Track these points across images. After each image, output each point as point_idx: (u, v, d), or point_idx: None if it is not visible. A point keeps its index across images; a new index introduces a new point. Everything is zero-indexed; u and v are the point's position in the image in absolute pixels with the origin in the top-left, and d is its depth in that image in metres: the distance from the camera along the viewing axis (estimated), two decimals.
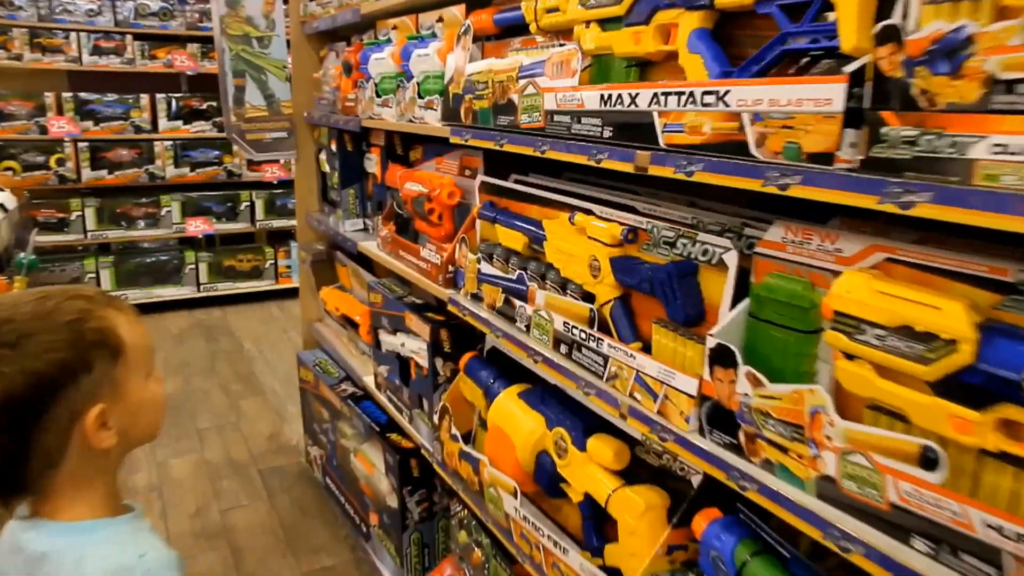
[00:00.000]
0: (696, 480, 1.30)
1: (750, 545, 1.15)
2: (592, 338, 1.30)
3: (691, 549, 1.32)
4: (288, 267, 5.69)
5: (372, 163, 2.43)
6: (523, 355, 1.49)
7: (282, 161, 5.47)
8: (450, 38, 1.74)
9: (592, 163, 1.21)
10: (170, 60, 5.17)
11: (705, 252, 1.12)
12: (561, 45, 1.40)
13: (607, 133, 1.18)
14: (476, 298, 1.71)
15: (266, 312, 5.48)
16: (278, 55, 2.70)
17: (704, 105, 0.99)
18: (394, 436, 2.31)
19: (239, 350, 4.71)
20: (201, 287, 5.45)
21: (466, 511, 1.97)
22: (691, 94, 1.01)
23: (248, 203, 5.53)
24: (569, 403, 1.57)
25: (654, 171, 1.09)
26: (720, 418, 1.06)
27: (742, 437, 1.02)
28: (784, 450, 0.97)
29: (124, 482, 3.03)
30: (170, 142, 5.27)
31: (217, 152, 5.43)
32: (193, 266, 5.43)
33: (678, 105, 1.03)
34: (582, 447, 1.46)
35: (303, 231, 3.01)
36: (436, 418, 1.91)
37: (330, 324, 2.91)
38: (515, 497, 1.58)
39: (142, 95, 5.15)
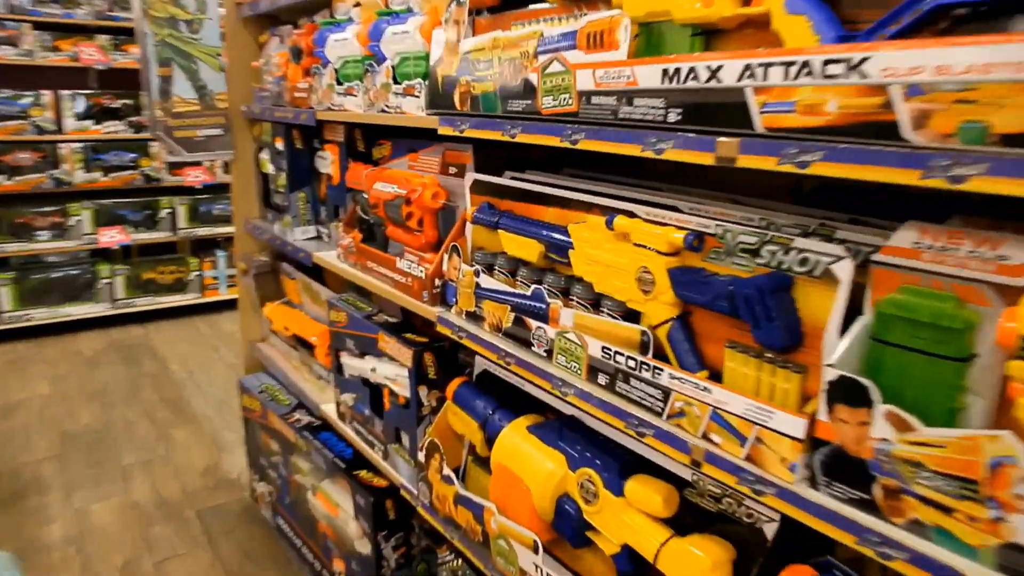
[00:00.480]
0: (770, 530, 1.08)
1: None
2: (646, 367, 1.07)
3: None
4: (215, 279, 5.26)
5: (327, 162, 2.14)
6: (545, 386, 1.24)
7: (207, 164, 5.05)
8: (434, 12, 1.48)
9: (650, 154, 0.98)
10: (76, 53, 4.67)
11: (804, 262, 0.90)
12: (583, 14, 1.16)
13: (673, 117, 0.95)
14: (474, 317, 1.46)
15: (192, 329, 5.04)
16: (211, 41, 2.36)
17: (827, 77, 0.77)
18: (363, 473, 2.03)
19: (164, 372, 4.28)
20: (117, 303, 4.97)
21: (460, 560, 1.71)
22: (806, 64, 0.79)
23: (169, 210, 5.07)
24: (592, 438, 1.34)
25: (745, 162, 0.87)
26: (842, 467, 0.85)
27: (878, 492, 0.81)
28: (947, 510, 0.76)
29: (34, 537, 2.63)
30: (79, 144, 4.77)
31: (133, 155, 4.95)
32: (108, 280, 4.94)
33: (785, 79, 0.81)
34: (618, 491, 1.23)
35: (242, 240, 2.68)
36: (422, 456, 1.65)
37: (276, 344, 2.59)
38: (536, 552, 1.34)
39: (44, 91, 4.64)
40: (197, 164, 5.11)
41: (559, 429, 1.39)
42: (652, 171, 1.56)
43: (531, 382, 1.31)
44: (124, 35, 4.86)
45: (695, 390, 0.99)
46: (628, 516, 1.23)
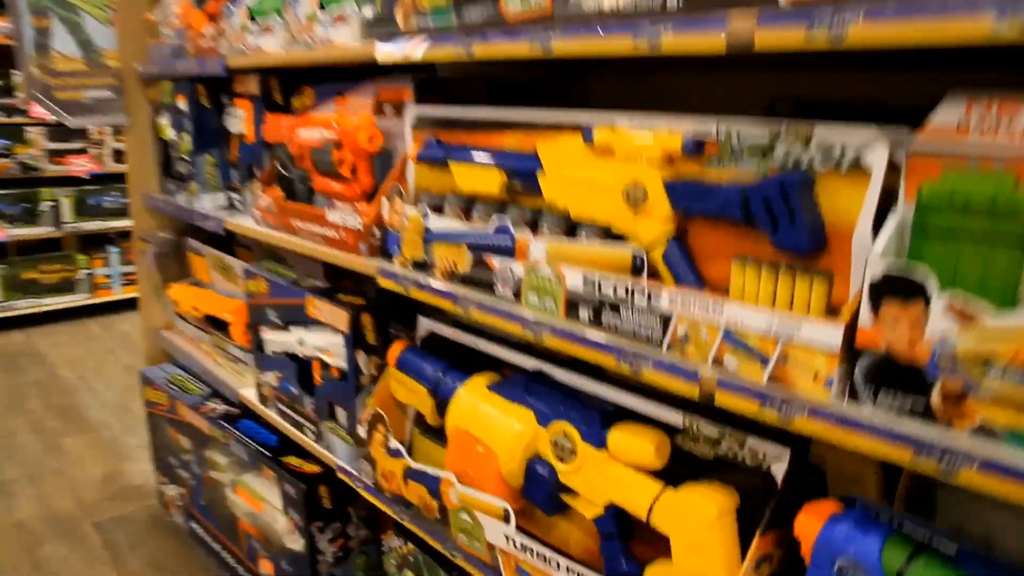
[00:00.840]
0: (779, 470, 0.98)
1: (902, 545, 0.84)
2: (640, 292, 0.94)
3: (775, 558, 1.01)
4: (108, 277, 4.83)
5: (238, 119, 1.92)
6: (514, 329, 1.10)
7: (94, 152, 4.63)
8: None
9: (644, 49, 0.85)
10: None
11: (828, 155, 0.80)
12: None
13: (674, 2, 0.82)
14: (422, 267, 1.29)
15: (83, 332, 4.61)
16: None
17: None
18: (292, 460, 1.82)
19: (52, 379, 3.88)
20: None
21: (410, 545, 1.54)
22: None
23: (51, 203, 4.61)
24: (564, 392, 1.21)
25: (766, 39, 0.75)
26: (889, 376, 0.74)
27: (936, 398, 0.71)
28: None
29: None
30: None
31: (5, 141, 4.48)
32: None
33: None
34: (600, 443, 1.10)
35: (140, 217, 2.40)
36: (362, 430, 1.47)
37: (184, 330, 2.34)
38: (507, 522, 1.19)
39: None
40: (82, 152, 4.68)
41: (525, 383, 1.24)
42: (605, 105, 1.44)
43: (492, 336, 1.17)
44: None
45: (704, 310, 0.87)
46: (612, 471, 1.10)
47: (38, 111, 4.32)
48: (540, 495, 1.20)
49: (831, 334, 0.76)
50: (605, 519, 1.13)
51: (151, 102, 2.28)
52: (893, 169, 0.76)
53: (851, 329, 0.77)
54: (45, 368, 4.01)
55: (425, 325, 1.51)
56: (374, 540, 1.88)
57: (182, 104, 2.04)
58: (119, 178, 4.63)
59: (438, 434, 1.46)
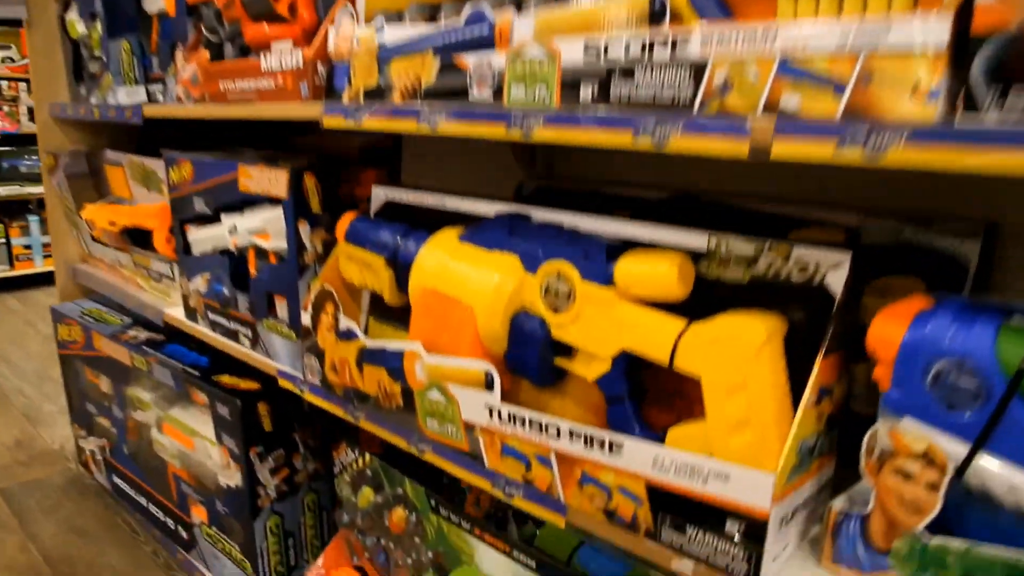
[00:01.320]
0: (837, 279, 0.78)
1: (1020, 333, 0.64)
2: (661, 43, 0.73)
3: (837, 394, 0.81)
4: (28, 247, 4.44)
5: None
6: (499, 131, 0.87)
7: (6, 109, 4.23)
8: None
9: None
10: None
11: None
12: None
13: None
14: (377, 94, 1.06)
15: (0, 305, 4.22)
16: None
17: None
18: (225, 378, 1.56)
19: None
20: None
21: (367, 456, 1.30)
22: None
23: None
24: (554, 232, 0.99)
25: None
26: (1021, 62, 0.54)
27: None
28: None
29: None
30: None
31: None
32: None
33: None
34: (605, 278, 0.89)
35: (48, 132, 2.11)
36: (307, 318, 1.23)
37: (102, 257, 2.05)
38: (490, 389, 0.96)
39: None
40: None
41: (508, 225, 1.02)
42: None
43: (485, 136, 0.94)
44: None
45: (751, 42, 0.66)
46: (622, 312, 0.88)
47: None
48: (530, 358, 0.98)
49: (934, 26, 0.56)
50: (612, 377, 0.92)
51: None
52: None
53: (962, 17, 0.56)
54: None
55: (380, 195, 1.28)
56: (326, 475, 1.63)
57: None
58: (36, 140, 4.25)
59: (400, 319, 1.23)
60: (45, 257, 4.48)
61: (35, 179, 4.43)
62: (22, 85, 4.37)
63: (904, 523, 0.72)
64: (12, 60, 4.32)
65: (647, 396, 0.94)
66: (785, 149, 0.64)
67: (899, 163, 0.58)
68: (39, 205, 4.48)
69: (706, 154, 0.69)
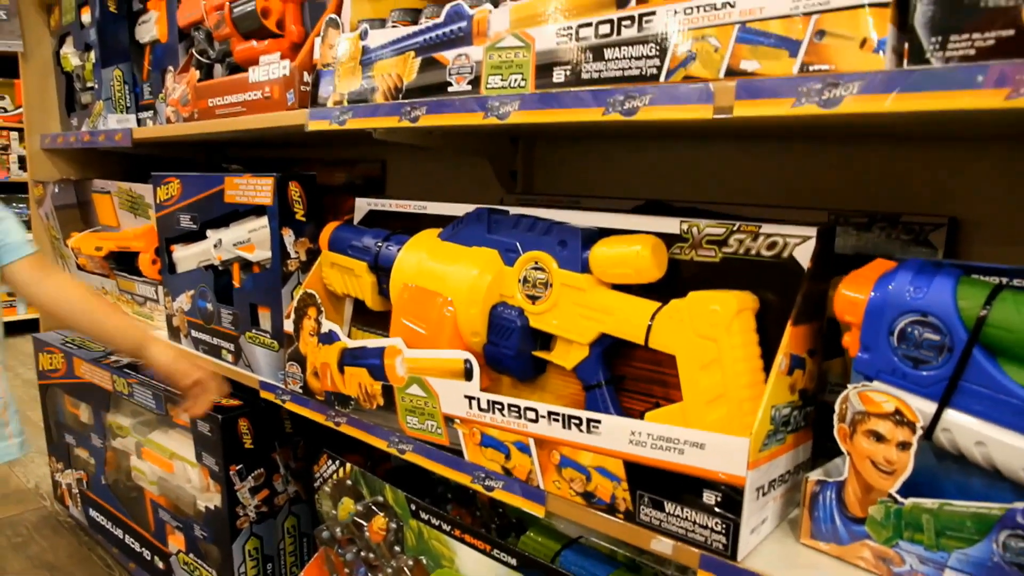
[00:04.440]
0: (804, 252, 0.80)
1: (978, 286, 0.66)
2: (629, 20, 0.76)
3: (809, 369, 0.82)
4: (11, 295, 4.42)
5: (151, 23, 1.71)
6: (476, 119, 0.90)
7: None
8: None
9: None
10: None
11: None
12: None
13: None
14: (360, 99, 1.09)
15: None
16: None
17: None
18: None
19: None
20: None
21: (348, 466, 1.28)
22: None
23: None
24: (531, 225, 1.01)
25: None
26: (956, 12, 0.57)
27: None
28: None
29: None
30: None
31: None
32: None
33: None
34: (581, 265, 0.91)
35: (38, 163, 2.13)
36: (290, 324, 1.23)
37: (86, 282, 2.04)
38: (468, 378, 0.97)
39: None
40: None
41: (486, 221, 1.04)
42: None
43: (459, 125, 0.97)
44: None
45: (711, 10, 0.70)
46: (598, 297, 0.90)
47: None
48: (509, 350, 0.98)
49: None
50: (590, 363, 0.93)
51: (53, 31, 2.05)
52: None
53: None
54: None
55: (363, 206, 1.30)
56: (307, 499, 1.61)
57: (86, 16, 1.82)
58: (26, 188, 4.28)
59: (381, 326, 1.24)
60: (30, 306, 4.45)
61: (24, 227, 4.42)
62: (14, 134, 4.42)
63: (878, 486, 0.72)
64: (5, 110, 4.38)
65: (624, 387, 0.94)
66: (746, 109, 0.67)
67: (853, 111, 0.61)
68: None
69: (672, 119, 0.72)
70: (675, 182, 1.23)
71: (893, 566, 0.72)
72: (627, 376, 0.95)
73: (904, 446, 0.70)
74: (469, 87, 0.93)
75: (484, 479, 0.98)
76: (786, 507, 0.85)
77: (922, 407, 0.69)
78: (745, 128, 0.93)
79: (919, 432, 0.69)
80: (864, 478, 0.73)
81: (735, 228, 0.85)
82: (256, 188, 1.27)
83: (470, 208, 1.08)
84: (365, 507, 1.24)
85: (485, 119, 0.89)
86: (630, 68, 0.76)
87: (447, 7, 0.96)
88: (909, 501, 0.70)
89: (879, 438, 0.72)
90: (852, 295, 0.72)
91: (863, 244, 1.01)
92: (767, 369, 0.79)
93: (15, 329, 4.51)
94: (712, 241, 0.87)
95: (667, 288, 0.86)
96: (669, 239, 0.89)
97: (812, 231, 0.79)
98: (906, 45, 0.59)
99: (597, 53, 0.79)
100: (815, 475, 0.78)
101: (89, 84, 1.91)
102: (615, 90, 0.76)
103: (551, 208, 0.99)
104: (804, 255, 0.80)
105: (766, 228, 0.83)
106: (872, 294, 0.71)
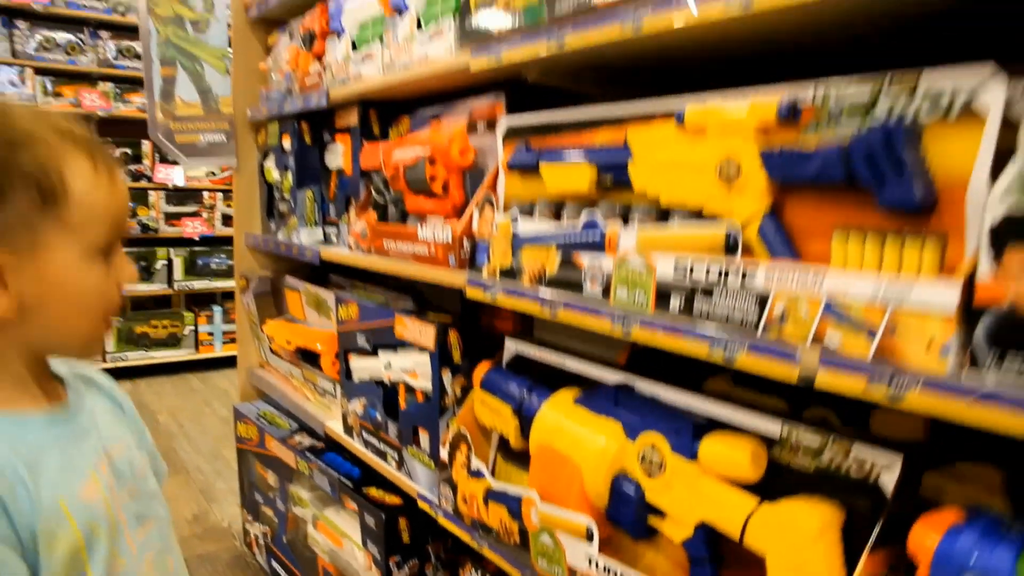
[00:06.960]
0: (889, 479, 0.88)
1: None
2: (733, 272, 0.89)
3: None
4: (210, 334, 5.06)
5: (338, 154, 2.00)
6: (605, 326, 1.05)
7: (206, 215, 4.92)
8: None
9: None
10: (78, 99, 4.63)
11: (936, 102, 0.74)
12: None
13: None
14: (510, 274, 1.28)
15: (184, 385, 4.80)
16: (217, 42, 2.27)
17: None
18: (373, 491, 1.80)
19: (153, 424, 4.03)
20: (108, 357, 4.75)
21: None
22: None
23: (165, 262, 4.92)
24: (653, 405, 1.14)
25: None
26: (1016, 336, 0.66)
27: None
28: None
29: None
30: None
31: (130, 204, 4.84)
32: None
33: None
34: (690, 454, 1.03)
35: (241, 257, 2.51)
36: (445, 453, 1.43)
37: (277, 367, 2.39)
38: (589, 540, 1.12)
39: None
40: (195, 215, 5.00)
41: (613, 395, 1.19)
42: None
43: (589, 327, 1.12)
44: (128, 83, 4.83)
45: (803, 282, 0.81)
46: (704, 485, 1.02)
47: (160, 176, 4.66)
48: (626, 516, 1.12)
49: (946, 293, 0.69)
50: (695, 541, 1.04)
51: (259, 147, 2.41)
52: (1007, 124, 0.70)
53: (969, 288, 0.69)
54: (147, 414, 4.18)
55: (512, 348, 1.48)
56: None
57: (287, 143, 2.14)
58: (227, 241, 4.90)
59: (522, 460, 1.41)
60: (224, 343, 5.07)
61: (222, 275, 5.06)
62: (219, 195, 5.07)
63: None
64: (214, 174, 5.03)
65: (727, 560, 1.05)
66: (826, 378, 0.78)
67: (915, 406, 0.70)
68: (223, 297, 5.11)
69: (764, 374, 0.83)
70: None
71: None
72: (731, 554, 1.05)
73: None
74: (600, 292, 1.08)
75: None
76: None
77: None
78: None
79: None
80: None
81: (829, 441, 0.94)
82: (421, 331, 1.48)
83: (604, 372, 1.22)
84: None
85: (612, 327, 1.03)
86: (733, 313, 0.89)
87: (584, 214, 1.12)
88: None
89: None
90: (923, 539, 0.80)
91: None
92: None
93: (213, 365, 5.13)
94: (808, 450, 0.96)
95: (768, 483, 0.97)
96: (769, 440, 0.99)
97: (897, 459, 0.87)
98: (968, 352, 0.68)
99: (706, 292, 0.92)
100: None
101: (286, 197, 2.24)
102: (718, 336, 0.88)
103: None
104: (889, 482, 0.88)
105: (856, 450, 0.91)
106: (940, 545, 0.78)
